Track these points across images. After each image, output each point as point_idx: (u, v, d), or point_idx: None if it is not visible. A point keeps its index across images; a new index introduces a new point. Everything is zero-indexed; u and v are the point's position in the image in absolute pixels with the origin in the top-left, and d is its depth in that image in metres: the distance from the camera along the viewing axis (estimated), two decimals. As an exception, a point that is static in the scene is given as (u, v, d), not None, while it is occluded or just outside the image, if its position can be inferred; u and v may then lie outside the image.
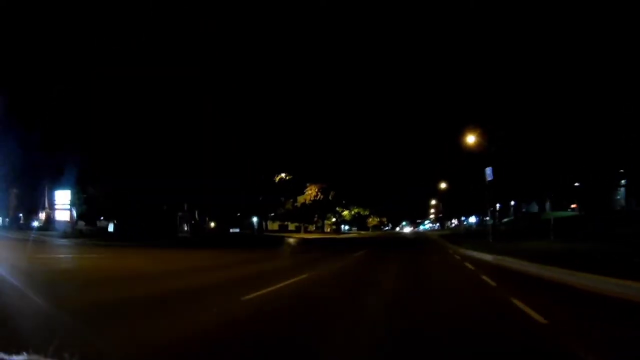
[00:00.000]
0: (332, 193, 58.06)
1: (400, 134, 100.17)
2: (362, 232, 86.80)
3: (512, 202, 77.23)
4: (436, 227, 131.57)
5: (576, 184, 43.21)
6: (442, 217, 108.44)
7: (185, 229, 35.41)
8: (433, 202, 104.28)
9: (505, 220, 73.46)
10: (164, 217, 33.05)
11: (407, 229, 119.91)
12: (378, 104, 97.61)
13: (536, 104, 36.04)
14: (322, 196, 56.73)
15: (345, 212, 72.69)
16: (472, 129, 37.21)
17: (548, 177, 42.51)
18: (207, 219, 45.46)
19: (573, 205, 60.29)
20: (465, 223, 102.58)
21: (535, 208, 73.75)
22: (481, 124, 35.54)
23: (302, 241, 35.10)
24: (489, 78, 38.12)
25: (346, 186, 59.89)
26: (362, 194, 73.18)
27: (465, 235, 32.97)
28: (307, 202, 56.24)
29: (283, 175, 47.50)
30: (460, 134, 39.28)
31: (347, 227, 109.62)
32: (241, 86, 38.38)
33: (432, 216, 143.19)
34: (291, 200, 52.88)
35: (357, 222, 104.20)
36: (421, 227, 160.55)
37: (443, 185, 69.93)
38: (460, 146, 38.09)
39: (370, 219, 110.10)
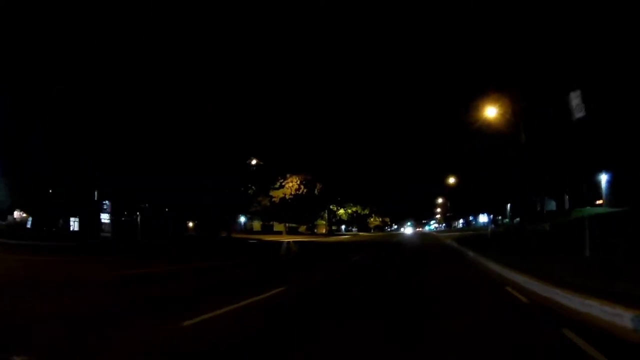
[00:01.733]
0: (318, 186, 48.37)
1: (403, 124, 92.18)
2: (362, 233, 78.65)
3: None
4: (442, 228, 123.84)
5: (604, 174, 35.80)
6: (450, 217, 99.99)
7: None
8: (440, 200, 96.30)
9: (516, 220, 65.09)
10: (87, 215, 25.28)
11: (409, 230, 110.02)
12: (377, 91, 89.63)
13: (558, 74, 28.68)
14: (305, 190, 46.35)
15: (341, 211, 64.36)
16: (489, 98, 29.58)
17: (572, 166, 35.17)
18: (187, 221, 38.71)
19: (599, 202, 52.37)
20: (473, 223, 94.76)
21: (551, 205, 65.64)
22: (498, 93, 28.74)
23: (258, 246, 27.03)
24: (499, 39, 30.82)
25: (339, 180, 51.52)
26: (360, 191, 65.18)
27: (496, 242, 20.30)
28: (287, 196, 45.64)
29: (254, 162, 39.21)
30: (470, 115, 33.00)
31: (347, 228, 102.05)
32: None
33: (438, 216, 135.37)
34: (270, 195, 44.70)
35: (357, 222, 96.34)
36: (427, 228, 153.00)
37: (451, 180, 62.19)
38: (470, 129, 32.79)
39: (372, 219, 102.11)
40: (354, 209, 65.70)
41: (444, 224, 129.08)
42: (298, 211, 45.99)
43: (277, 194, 45.30)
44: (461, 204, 69.11)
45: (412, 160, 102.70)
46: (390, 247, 24.65)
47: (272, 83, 40.53)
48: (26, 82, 23.48)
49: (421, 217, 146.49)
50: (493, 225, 44.55)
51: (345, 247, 25.02)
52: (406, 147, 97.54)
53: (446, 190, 71.55)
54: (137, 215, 25.69)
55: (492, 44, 32.29)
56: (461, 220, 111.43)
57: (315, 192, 46.36)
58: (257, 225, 77.42)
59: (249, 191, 38.50)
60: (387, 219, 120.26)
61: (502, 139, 34.43)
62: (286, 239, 37.00)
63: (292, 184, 45.76)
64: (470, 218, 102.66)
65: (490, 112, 28.55)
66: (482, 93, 29.97)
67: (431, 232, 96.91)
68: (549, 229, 20.87)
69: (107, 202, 29.31)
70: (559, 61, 28.04)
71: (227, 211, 33.99)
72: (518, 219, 63.65)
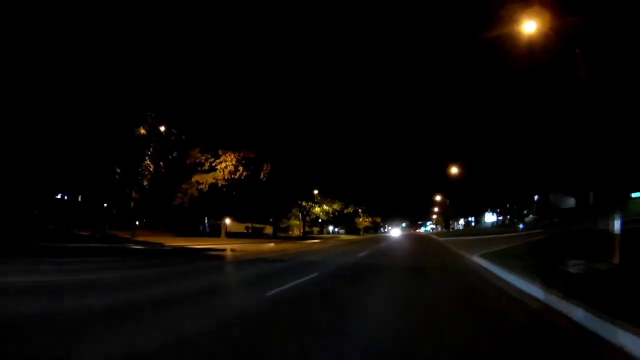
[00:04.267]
0: (266, 168, 33.61)
1: (394, 100, 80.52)
2: (344, 236, 66.38)
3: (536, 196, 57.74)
4: (439, 229, 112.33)
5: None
6: (450, 216, 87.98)
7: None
8: (438, 197, 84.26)
9: (527, 219, 53.39)
10: None
11: (397, 232, 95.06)
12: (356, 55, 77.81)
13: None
14: (245, 173, 32.08)
15: (317, 209, 51.66)
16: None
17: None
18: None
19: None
20: (472, 224, 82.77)
21: (568, 202, 53.47)
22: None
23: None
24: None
25: (299, 163, 38.98)
26: (339, 183, 53.11)
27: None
28: (218, 182, 31.43)
29: (162, 129, 26.62)
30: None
31: (336, 229, 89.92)
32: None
33: (434, 216, 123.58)
34: (196, 182, 31.79)
35: (345, 222, 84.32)
36: (422, 229, 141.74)
37: (454, 170, 50.49)
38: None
39: (360, 219, 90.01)
40: (334, 206, 53.14)
41: (438, 226, 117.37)
42: (238, 203, 33.38)
43: (204, 179, 31.10)
44: (465, 200, 57.31)
45: (405, 148, 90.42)
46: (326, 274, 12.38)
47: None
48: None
49: (416, 217, 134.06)
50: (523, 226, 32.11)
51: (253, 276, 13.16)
52: (398, 131, 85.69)
53: (447, 184, 59.76)
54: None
55: None
56: (461, 221, 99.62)
57: (262, 176, 33.83)
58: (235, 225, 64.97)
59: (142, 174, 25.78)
60: (379, 219, 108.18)
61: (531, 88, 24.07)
62: (221, 244, 24.83)
63: (226, 164, 31.67)
64: (470, 219, 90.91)
65: (527, 26, 16.09)
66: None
67: (428, 234, 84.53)
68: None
69: None
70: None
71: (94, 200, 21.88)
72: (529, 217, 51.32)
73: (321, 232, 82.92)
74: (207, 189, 30.13)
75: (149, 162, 26.25)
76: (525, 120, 31.79)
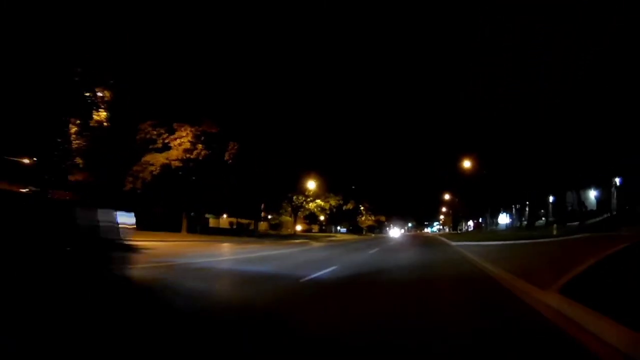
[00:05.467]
0: (232, 147, 27.34)
1: (403, 102, 74.76)
2: (341, 235, 60.74)
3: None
4: (446, 230, 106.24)
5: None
6: (460, 216, 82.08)
7: None
8: (446, 196, 78.21)
9: (539, 222, 47.54)
10: None
11: (397, 233, 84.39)
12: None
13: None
14: (205, 152, 25.65)
15: (311, 204, 45.52)
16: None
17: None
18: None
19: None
20: (482, 225, 76.48)
21: (589, 200, 48.13)
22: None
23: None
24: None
25: (280, 143, 32.90)
26: (341, 178, 47.57)
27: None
28: (171, 163, 24.97)
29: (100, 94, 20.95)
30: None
31: (338, 227, 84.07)
32: None
33: (442, 217, 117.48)
34: (148, 163, 25.00)
35: (346, 219, 78.47)
36: (429, 230, 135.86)
37: (466, 164, 44.60)
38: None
39: (363, 217, 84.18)
40: (330, 201, 47.33)
41: (445, 227, 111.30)
42: (200, 191, 27.44)
43: (156, 159, 24.88)
44: (477, 199, 51.34)
45: (413, 143, 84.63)
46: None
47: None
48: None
49: (423, 216, 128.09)
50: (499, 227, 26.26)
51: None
52: (405, 125, 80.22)
53: (457, 182, 53.84)
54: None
55: None
56: (470, 222, 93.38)
57: (227, 157, 27.34)
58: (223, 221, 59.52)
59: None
60: (383, 218, 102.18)
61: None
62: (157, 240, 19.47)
63: (180, 141, 25.38)
64: (480, 220, 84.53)
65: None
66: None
67: (435, 235, 78.44)
68: None
69: None
70: None
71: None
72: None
73: (322, 230, 77.46)
74: (158, 171, 24.41)
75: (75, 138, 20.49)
76: (542, 111, 27.44)
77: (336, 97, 61.64)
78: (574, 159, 28.61)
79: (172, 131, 25.42)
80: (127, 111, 22.19)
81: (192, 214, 31.41)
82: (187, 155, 25.19)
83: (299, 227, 76.36)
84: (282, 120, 35.02)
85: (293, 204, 43.81)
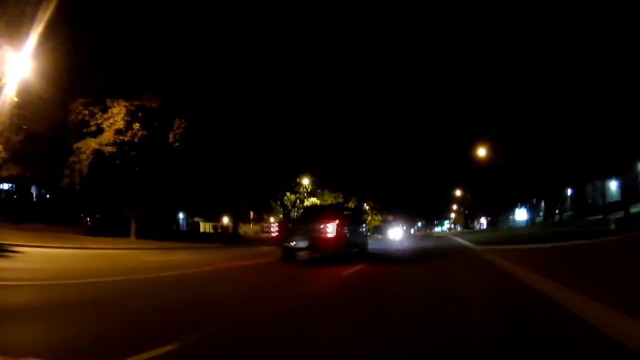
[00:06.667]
0: (178, 125, 21.64)
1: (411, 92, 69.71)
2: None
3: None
4: (458, 229, 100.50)
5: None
6: (474, 213, 76.46)
7: None
8: (458, 192, 72.59)
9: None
10: None
11: (397, 233, 69.29)
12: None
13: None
14: (142, 132, 20.24)
15: (306, 203, 40.17)
16: None
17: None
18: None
19: None
20: (492, 223, 70.38)
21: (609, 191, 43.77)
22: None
23: None
24: None
25: (277, 138, 28.04)
26: (340, 174, 42.45)
27: None
28: (105, 149, 19.65)
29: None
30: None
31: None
32: None
33: (452, 215, 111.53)
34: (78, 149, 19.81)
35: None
36: (438, 229, 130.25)
37: (481, 153, 39.51)
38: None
39: (369, 217, 78.70)
40: (327, 199, 42.04)
41: (458, 225, 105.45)
42: (143, 184, 21.77)
43: (87, 147, 19.67)
44: (491, 194, 45.82)
45: (418, 133, 79.69)
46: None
47: None
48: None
49: (432, 215, 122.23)
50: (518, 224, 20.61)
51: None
52: (412, 118, 75.47)
53: (469, 177, 48.41)
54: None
55: None
56: (482, 220, 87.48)
57: (170, 138, 21.34)
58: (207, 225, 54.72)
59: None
60: (390, 217, 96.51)
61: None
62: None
63: (113, 120, 20.10)
64: (489, 218, 78.61)
65: None
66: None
67: (447, 234, 72.58)
68: None
69: None
70: None
71: None
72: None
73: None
74: (90, 160, 19.29)
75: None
76: (559, 97, 25.07)
77: (333, 87, 56.70)
78: (594, 147, 27.10)
79: (107, 110, 20.30)
80: (56, 85, 17.33)
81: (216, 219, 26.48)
82: (121, 138, 19.97)
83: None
84: (268, 105, 30.05)
85: (279, 202, 38.68)
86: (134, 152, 20.28)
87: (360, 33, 60.31)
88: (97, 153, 19.43)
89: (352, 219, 15.55)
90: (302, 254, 13.19)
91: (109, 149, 19.66)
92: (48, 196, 30.01)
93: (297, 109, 35.12)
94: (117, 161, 20.02)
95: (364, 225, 20.15)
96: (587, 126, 26.44)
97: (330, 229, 11.70)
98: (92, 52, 19.11)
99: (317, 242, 11.79)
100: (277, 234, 13.15)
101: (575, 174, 34.80)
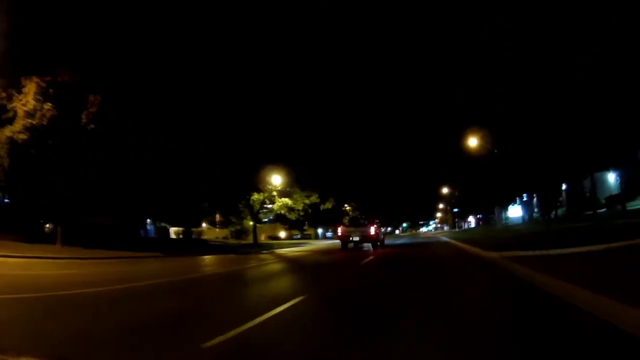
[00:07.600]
0: (93, 102, 15.87)
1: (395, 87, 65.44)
2: (311, 243, 50.40)
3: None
4: (445, 229, 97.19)
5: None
6: (463, 212, 72.55)
7: None
8: (445, 190, 68.62)
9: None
10: None
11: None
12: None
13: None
14: (51, 113, 15.19)
15: (276, 204, 34.43)
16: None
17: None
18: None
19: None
20: (480, 222, 66.66)
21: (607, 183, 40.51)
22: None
23: None
24: None
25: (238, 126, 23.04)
26: (315, 171, 37.50)
27: None
28: (16, 136, 15.03)
29: None
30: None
31: (329, 233, 73.65)
32: None
33: (438, 214, 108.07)
34: None
35: (329, 222, 67.86)
36: (424, 229, 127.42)
37: (472, 143, 35.65)
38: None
39: (346, 219, 73.60)
40: (306, 200, 36.76)
41: (445, 225, 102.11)
42: (62, 178, 15.66)
43: (2, 135, 15.68)
44: (485, 188, 41.66)
45: (403, 131, 75.64)
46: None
47: None
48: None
49: (418, 215, 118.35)
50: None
51: None
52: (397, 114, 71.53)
53: (459, 167, 44.20)
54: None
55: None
56: (470, 219, 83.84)
57: (83, 119, 15.03)
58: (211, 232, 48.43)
59: None
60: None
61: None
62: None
63: (25, 100, 15.55)
64: (479, 216, 74.97)
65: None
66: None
67: (434, 234, 68.48)
68: None
69: None
70: None
71: None
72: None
73: (305, 235, 67.49)
74: (5, 150, 14.40)
75: None
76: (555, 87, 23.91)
77: (308, 75, 51.66)
78: (593, 138, 25.94)
79: (19, 90, 15.34)
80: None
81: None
82: (30, 122, 15.07)
83: (282, 234, 65.82)
84: (228, 85, 24.95)
85: (242, 202, 33.44)
86: (51, 141, 15.31)
87: (357, 30, 55.79)
88: (11, 142, 15.17)
89: (379, 224, 24.75)
90: (350, 245, 22.31)
91: (21, 136, 15.36)
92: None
93: (266, 96, 30.22)
94: (32, 151, 15.20)
95: (382, 228, 28.81)
96: (587, 118, 24.73)
97: (372, 230, 21.64)
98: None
99: (366, 237, 21.62)
100: (340, 234, 22.86)
101: (574, 166, 31.52)
